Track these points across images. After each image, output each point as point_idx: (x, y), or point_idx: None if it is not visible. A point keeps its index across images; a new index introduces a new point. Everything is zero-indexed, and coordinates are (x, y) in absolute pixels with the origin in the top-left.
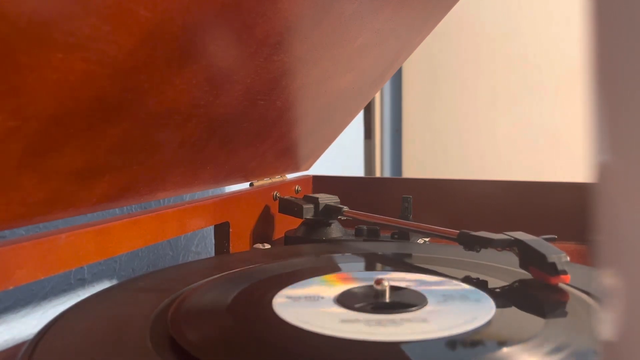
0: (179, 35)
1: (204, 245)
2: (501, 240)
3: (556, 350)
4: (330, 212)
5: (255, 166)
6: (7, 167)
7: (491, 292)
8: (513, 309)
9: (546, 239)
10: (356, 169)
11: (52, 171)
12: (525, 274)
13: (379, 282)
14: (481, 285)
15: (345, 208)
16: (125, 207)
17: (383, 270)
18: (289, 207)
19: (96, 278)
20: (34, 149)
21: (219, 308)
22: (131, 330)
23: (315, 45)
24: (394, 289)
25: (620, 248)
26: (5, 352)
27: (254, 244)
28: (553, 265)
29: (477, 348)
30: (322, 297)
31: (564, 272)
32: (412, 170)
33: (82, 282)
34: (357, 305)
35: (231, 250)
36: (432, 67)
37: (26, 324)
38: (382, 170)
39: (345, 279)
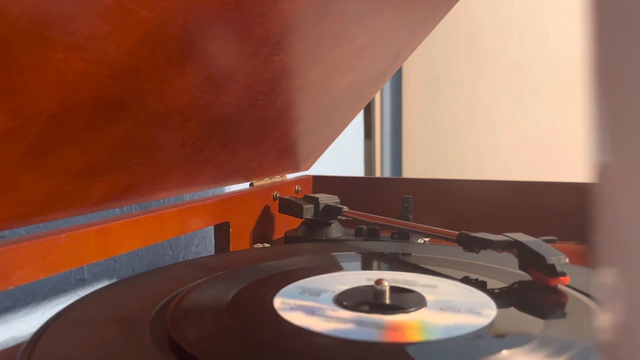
0: (179, 35)
1: (204, 245)
2: (500, 241)
3: (556, 351)
4: (330, 212)
5: (255, 166)
6: (7, 167)
7: (491, 294)
8: (512, 310)
9: (545, 241)
10: (356, 169)
11: (52, 171)
12: (524, 276)
13: (378, 282)
14: (481, 286)
15: (345, 208)
16: (125, 207)
17: (383, 270)
18: (289, 207)
19: (96, 278)
20: (34, 149)
21: (218, 306)
22: (131, 329)
23: (315, 45)
24: (393, 289)
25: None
26: (6, 352)
27: (254, 244)
28: (552, 266)
29: (477, 349)
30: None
31: (563, 274)
32: (412, 170)
33: (82, 282)
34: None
35: (231, 250)
36: (432, 67)
37: (26, 324)
38: (382, 170)
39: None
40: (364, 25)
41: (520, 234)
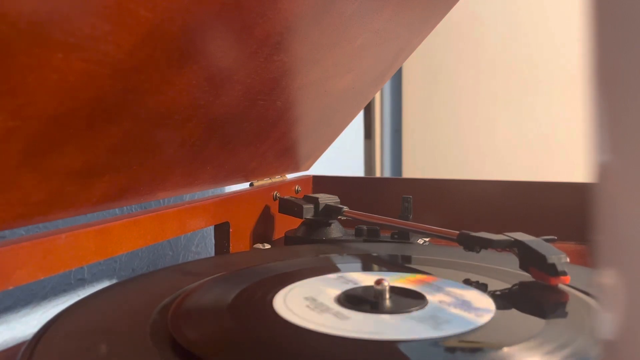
0: (179, 35)
1: (204, 245)
2: (501, 241)
3: (556, 350)
4: (330, 212)
5: (255, 166)
6: (7, 167)
7: (491, 293)
8: (513, 309)
9: (546, 240)
10: (356, 169)
11: (52, 171)
12: (525, 275)
13: (379, 282)
14: (481, 286)
15: (345, 208)
16: (125, 207)
17: (382, 270)
18: (289, 207)
19: (96, 278)
20: (34, 149)
21: (219, 307)
22: (132, 329)
23: (315, 45)
24: (393, 289)
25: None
26: (6, 352)
27: (254, 244)
28: (553, 266)
29: (477, 349)
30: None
31: (564, 273)
32: (412, 170)
33: (82, 282)
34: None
35: (231, 250)
36: (432, 67)
37: (26, 324)
38: (382, 170)
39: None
40: (364, 25)
41: (521, 233)
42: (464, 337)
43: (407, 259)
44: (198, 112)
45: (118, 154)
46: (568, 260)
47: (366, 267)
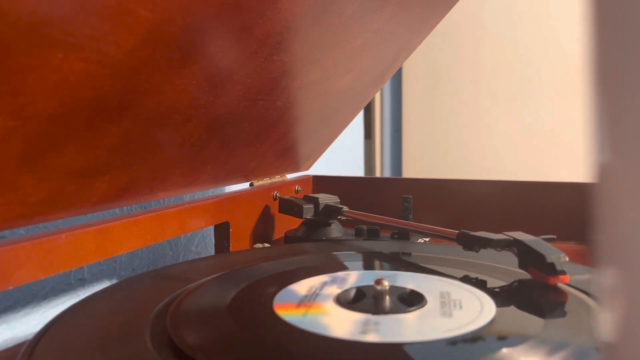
0: (179, 35)
1: (204, 245)
2: (500, 240)
3: (555, 350)
4: (330, 212)
5: (255, 166)
6: (7, 167)
7: (490, 292)
8: (512, 309)
9: (545, 239)
10: (356, 169)
11: (52, 171)
12: (524, 274)
13: (379, 282)
14: (480, 285)
15: (345, 208)
16: (125, 207)
17: (384, 270)
18: (289, 207)
19: (96, 278)
20: (34, 149)
21: (218, 307)
22: (131, 330)
23: (315, 45)
24: (393, 289)
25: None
26: (6, 352)
27: (254, 244)
28: (552, 265)
29: (477, 348)
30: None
31: (563, 272)
32: (412, 170)
33: (82, 282)
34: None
35: (231, 250)
36: (432, 67)
37: (26, 324)
38: (382, 170)
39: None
40: (364, 25)
41: (520, 232)
42: (464, 337)
43: (408, 257)
44: (198, 112)
45: (118, 153)
46: (567, 259)
47: (367, 267)
